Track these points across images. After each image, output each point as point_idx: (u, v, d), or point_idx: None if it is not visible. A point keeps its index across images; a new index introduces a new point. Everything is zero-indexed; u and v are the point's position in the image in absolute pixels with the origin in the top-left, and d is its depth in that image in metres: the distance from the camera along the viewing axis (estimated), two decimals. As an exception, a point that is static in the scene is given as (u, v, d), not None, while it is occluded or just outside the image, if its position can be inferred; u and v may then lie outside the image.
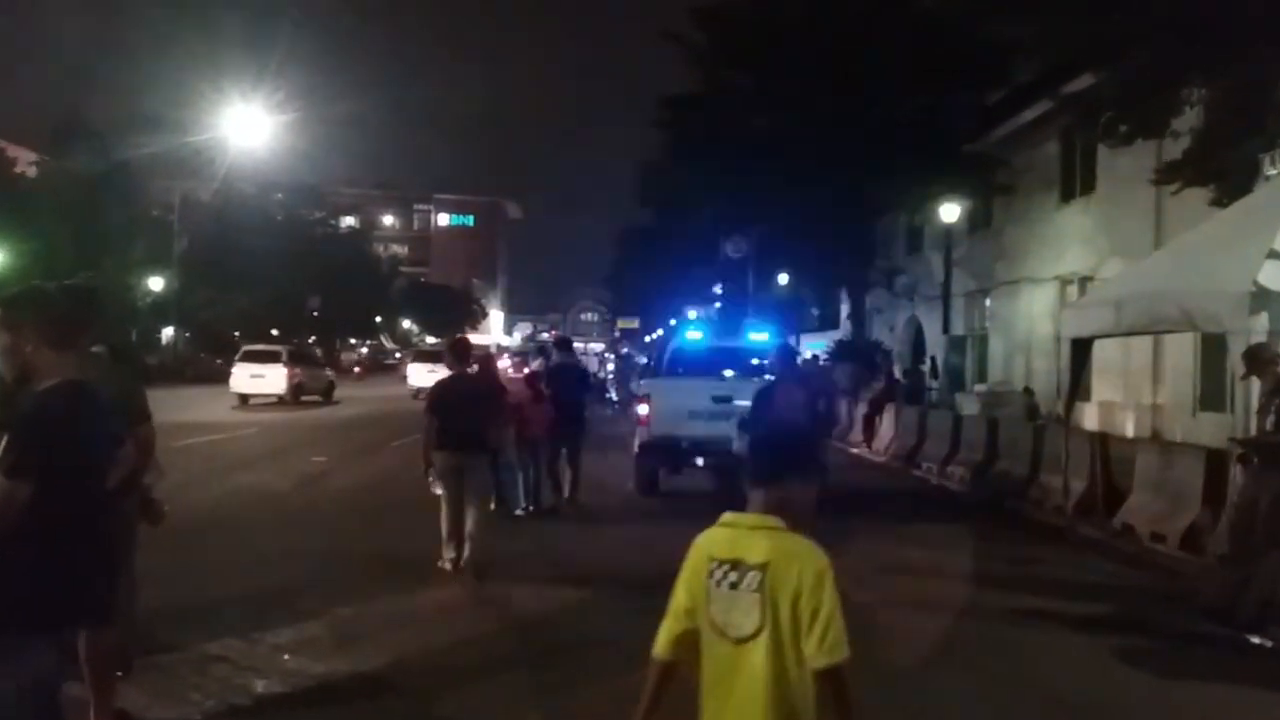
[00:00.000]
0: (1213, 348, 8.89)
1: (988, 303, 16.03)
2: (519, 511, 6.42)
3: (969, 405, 13.10)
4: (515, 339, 72.75)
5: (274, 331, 34.07)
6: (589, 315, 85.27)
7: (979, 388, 15.06)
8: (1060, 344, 7.03)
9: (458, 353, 5.21)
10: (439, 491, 4.77)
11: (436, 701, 3.09)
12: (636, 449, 7.50)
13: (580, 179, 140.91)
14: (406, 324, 52.80)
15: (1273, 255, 4.65)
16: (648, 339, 45.79)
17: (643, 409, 7.43)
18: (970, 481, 8.44)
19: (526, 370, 7.84)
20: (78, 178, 23.64)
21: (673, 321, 30.14)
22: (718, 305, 28.81)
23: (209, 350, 30.02)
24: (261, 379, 17.87)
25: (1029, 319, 13.95)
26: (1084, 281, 12.16)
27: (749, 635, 1.33)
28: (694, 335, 8.77)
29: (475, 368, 5.38)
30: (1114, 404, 10.94)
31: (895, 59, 13.36)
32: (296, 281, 32.61)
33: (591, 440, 7.63)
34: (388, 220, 62.73)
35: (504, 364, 9.43)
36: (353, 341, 39.44)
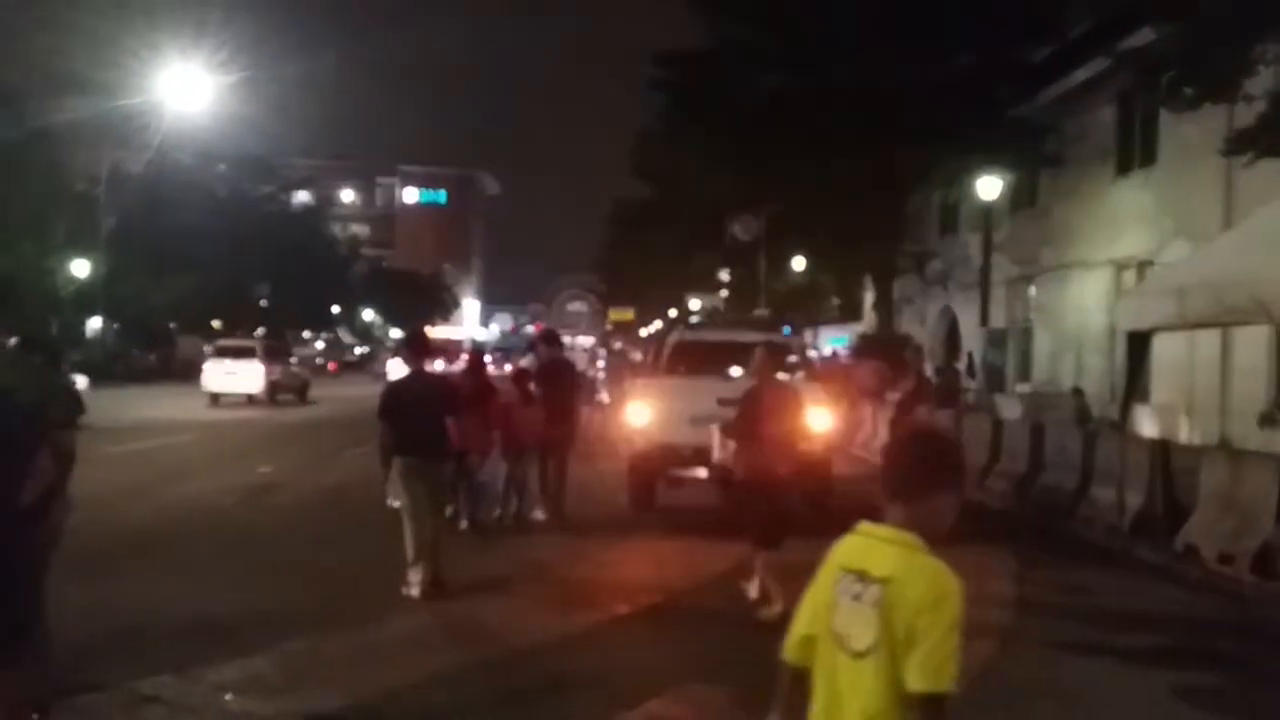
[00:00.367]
0: (1290, 342, 8.91)
1: (1032, 291, 16.06)
2: (464, 524, 6.47)
3: (1010, 408, 13.14)
4: (493, 332, 72.78)
5: (215, 324, 34.00)
6: (577, 306, 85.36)
7: (1022, 388, 15.10)
8: (1115, 338, 7.03)
9: (415, 348, 5.26)
10: (395, 504, 4.81)
11: (400, 749, 3.09)
12: (630, 459, 7.49)
13: (567, 149, 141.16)
14: (368, 315, 52.70)
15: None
16: (644, 333, 45.89)
17: (638, 412, 7.42)
18: (1012, 495, 8.45)
19: (510, 367, 7.84)
20: (-12, 148, 23.51)
21: (673, 313, 30.13)
22: (724, 294, 28.83)
23: (142, 344, 29.93)
24: (235, 376, 18.57)
25: (1079, 310, 13.98)
26: (1143, 267, 12.18)
27: (864, 650, 1.43)
28: (697, 328, 8.76)
29: (454, 366, 5.43)
30: (1176, 407, 10.96)
31: (928, 7, 13.30)
32: (241, 266, 32.54)
33: (579, 447, 7.70)
34: (347, 196, 62.55)
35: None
36: (306, 335, 39.31)
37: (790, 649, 1.55)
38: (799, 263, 23.11)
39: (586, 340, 52.96)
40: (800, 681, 1.52)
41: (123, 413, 14.17)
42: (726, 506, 5.31)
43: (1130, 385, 6.59)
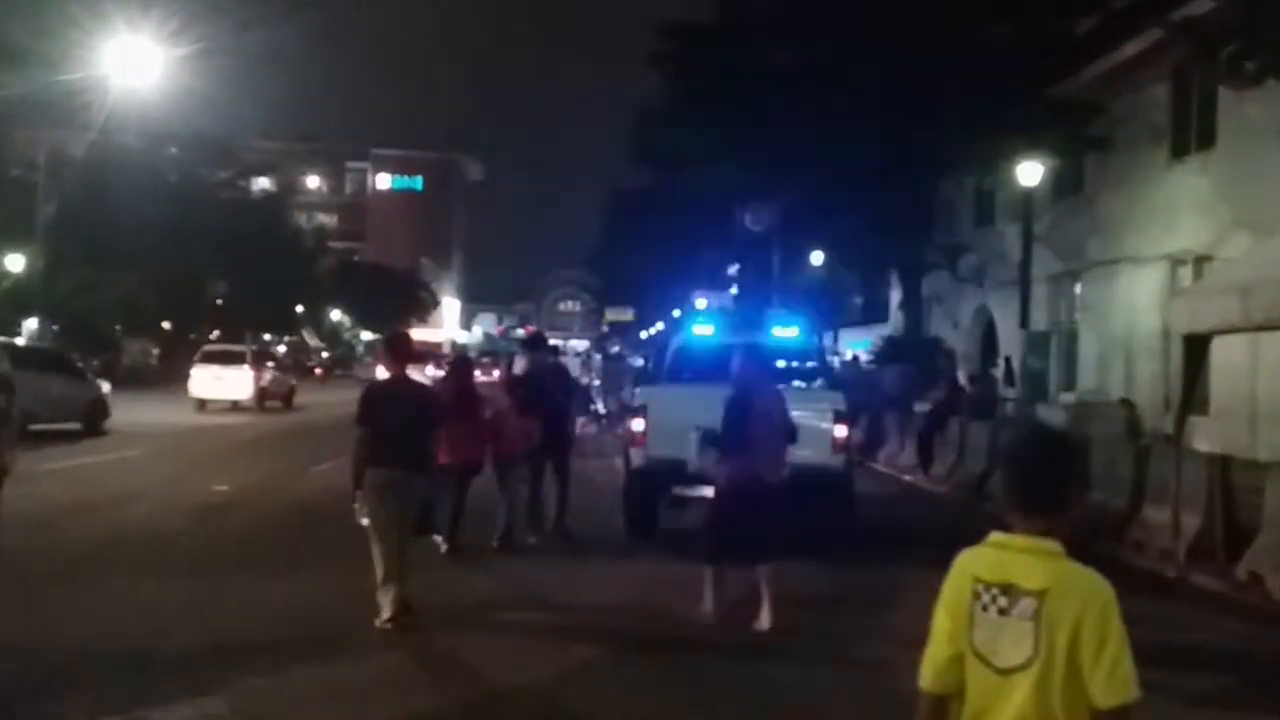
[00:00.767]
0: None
1: (1078, 289, 16.11)
2: (440, 543, 6.49)
3: (1053, 420, 13.15)
4: (475, 335, 72.87)
5: (165, 325, 33.98)
6: (569, 305, 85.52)
7: (1066, 398, 15.11)
8: (1170, 341, 7.05)
9: (396, 351, 5.38)
10: (364, 521, 4.85)
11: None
12: (627, 476, 7.50)
13: (558, 132, 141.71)
14: (336, 315, 52.78)
15: None
16: (644, 335, 45.93)
17: (637, 424, 7.44)
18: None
19: (499, 373, 7.94)
20: (-87, 128, 23.48)
21: (676, 313, 30.16)
22: (734, 292, 28.89)
23: (85, 347, 29.91)
24: (224, 382, 20.03)
25: (1130, 310, 14.02)
26: (1200, 262, 12.21)
27: (1017, 666, 1.50)
28: (703, 330, 8.83)
29: (440, 373, 5.53)
30: (1238, 418, 10.96)
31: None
32: (195, 260, 32.59)
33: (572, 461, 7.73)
34: (313, 182, 62.74)
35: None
36: (266, 338, 39.33)
37: (930, 675, 1.60)
38: (817, 257, 23.16)
39: (580, 344, 53.06)
40: (942, 710, 1.59)
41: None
42: (709, 520, 5.36)
43: (1186, 394, 6.61)
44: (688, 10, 17.70)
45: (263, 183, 45.25)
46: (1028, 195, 14.04)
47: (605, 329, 58.92)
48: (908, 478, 11.92)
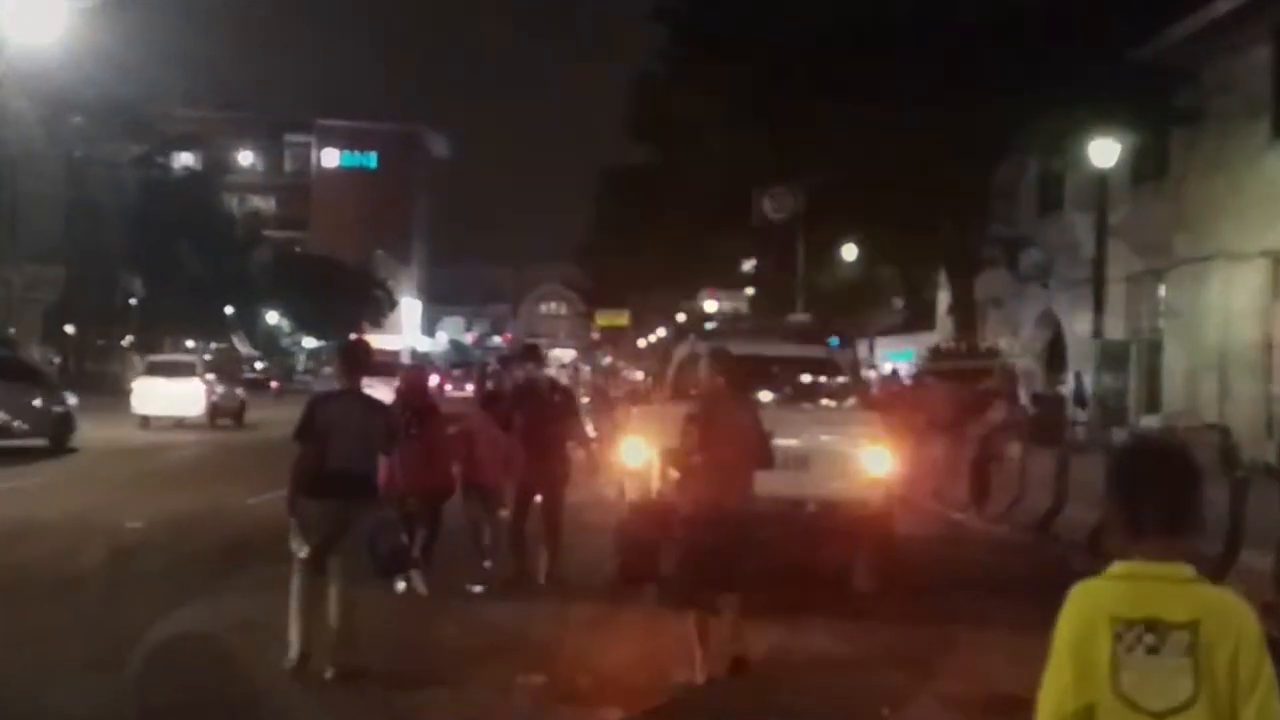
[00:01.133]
0: None
1: (1161, 291, 16.19)
2: (400, 585, 6.54)
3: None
4: (440, 342, 73.04)
5: (67, 329, 33.95)
6: (552, 307, 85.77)
7: (1148, 421, 15.15)
8: (1272, 355, 7.09)
9: (351, 361, 5.49)
10: (301, 554, 4.95)
11: None
12: (623, 513, 7.51)
13: (540, 101, 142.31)
14: (273, 318, 52.87)
15: None
16: (643, 343, 46.01)
17: (635, 451, 7.45)
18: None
19: (473, 388, 8.05)
20: None
21: (681, 317, 30.23)
22: (750, 292, 29.00)
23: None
24: (172, 397, 20.85)
25: (1224, 316, 14.08)
26: (1309, 259, 12.30)
27: (1177, 707, 1.59)
28: (711, 336, 8.87)
29: (390, 385, 5.60)
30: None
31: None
32: (105, 252, 32.64)
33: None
34: (245, 159, 62.97)
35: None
36: (190, 344, 39.35)
37: None
38: (849, 251, 23.26)
39: (565, 353, 53.13)
40: None
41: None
42: (675, 561, 5.41)
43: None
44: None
45: (185, 159, 45.43)
46: (1102, 178, 14.14)
47: (596, 335, 59.02)
48: (958, 516, 11.92)
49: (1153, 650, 1.59)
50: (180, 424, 20.64)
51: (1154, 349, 16.35)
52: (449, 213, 78.07)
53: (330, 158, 69.79)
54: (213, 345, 44.44)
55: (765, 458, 5.31)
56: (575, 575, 7.43)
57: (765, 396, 7.91)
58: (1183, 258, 15.21)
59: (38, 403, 15.19)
